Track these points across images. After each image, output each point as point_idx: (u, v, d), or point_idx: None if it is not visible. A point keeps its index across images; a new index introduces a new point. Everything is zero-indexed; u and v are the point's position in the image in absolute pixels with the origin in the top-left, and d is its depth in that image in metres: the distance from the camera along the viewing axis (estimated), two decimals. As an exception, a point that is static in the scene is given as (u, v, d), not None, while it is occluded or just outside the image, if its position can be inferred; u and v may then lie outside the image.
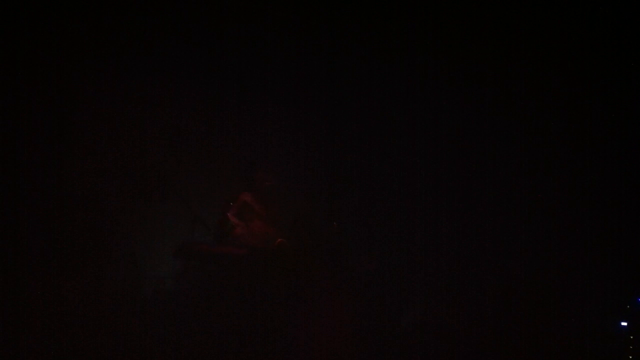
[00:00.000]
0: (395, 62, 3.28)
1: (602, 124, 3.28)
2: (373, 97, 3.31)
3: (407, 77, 3.29)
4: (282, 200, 3.25)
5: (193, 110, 3.27)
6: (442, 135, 3.29)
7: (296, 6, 3.23)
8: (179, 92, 3.22)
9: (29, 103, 3.09)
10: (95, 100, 3.15)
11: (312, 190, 3.27)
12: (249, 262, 3.13)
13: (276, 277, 3.09)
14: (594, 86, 3.27)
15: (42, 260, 3.06)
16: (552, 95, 3.29)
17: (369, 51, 3.29)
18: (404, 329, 3.18)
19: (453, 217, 3.26)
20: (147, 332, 3.08)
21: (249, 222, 3.23)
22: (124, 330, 3.08)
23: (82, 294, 3.09)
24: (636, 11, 3.26)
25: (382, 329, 3.17)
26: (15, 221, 3.03)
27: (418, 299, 3.22)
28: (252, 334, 3.10)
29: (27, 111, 3.08)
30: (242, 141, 3.32)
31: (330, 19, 3.25)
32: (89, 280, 3.09)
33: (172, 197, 3.20)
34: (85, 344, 3.05)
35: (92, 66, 3.15)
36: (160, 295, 3.17)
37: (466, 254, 3.24)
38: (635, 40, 3.26)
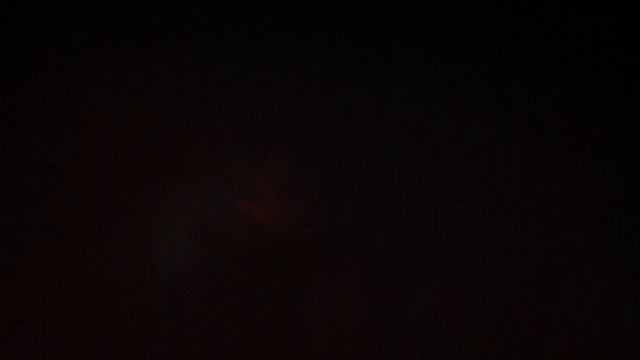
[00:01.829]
0: (396, 60, 3.29)
1: (602, 123, 3.28)
2: (374, 93, 3.32)
3: (409, 72, 3.29)
4: (294, 182, 3.25)
5: (193, 111, 3.27)
6: (443, 134, 3.29)
7: (296, 6, 3.23)
8: (179, 92, 3.23)
9: (29, 103, 3.10)
10: (96, 99, 3.16)
11: (313, 190, 3.28)
12: (262, 243, 3.12)
13: (287, 268, 3.10)
14: (594, 86, 3.28)
15: (43, 260, 3.08)
16: (552, 95, 3.29)
17: (370, 49, 3.30)
18: (404, 329, 3.19)
19: (453, 216, 3.26)
20: (149, 332, 3.09)
21: (261, 204, 3.22)
22: (126, 330, 3.08)
23: (83, 295, 3.09)
24: (636, 11, 3.27)
25: (382, 328, 3.18)
26: (15, 221, 3.04)
27: (417, 298, 3.23)
28: (261, 332, 3.12)
29: (27, 111, 3.09)
30: (243, 140, 3.32)
31: (331, 18, 3.26)
32: (89, 281, 3.10)
33: (175, 196, 3.21)
34: (86, 344, 3.06)
35: (93, 65, 3.15)
36: (164, 298, 3.18)
37: (466, 254, 3.24)
38: (636, 40, 3.27)
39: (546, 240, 3.25)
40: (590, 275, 3.24)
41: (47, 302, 3.06)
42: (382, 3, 3.26)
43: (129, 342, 3.09)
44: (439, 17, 3.26)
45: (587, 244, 3.24)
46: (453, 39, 3.27)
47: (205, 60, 3.21)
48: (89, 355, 3.05)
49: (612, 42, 3.27)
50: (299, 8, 3.23)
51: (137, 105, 3.17)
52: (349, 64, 3.26)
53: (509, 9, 3.27)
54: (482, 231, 3.25)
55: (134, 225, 3.15)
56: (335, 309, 3.18)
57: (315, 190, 3.24)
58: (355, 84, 3.27)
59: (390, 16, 3.26)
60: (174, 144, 3.20)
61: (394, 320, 3.20)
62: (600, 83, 3.26)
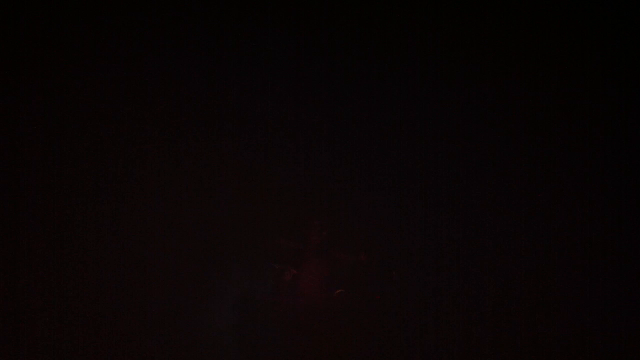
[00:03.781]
0: (396, 60, 3.29)
1: (602, 124, 3.28)
2: (374, 93, 3.31)
3: (409, 72, 3.29)
4: (338, 250, 3.27)
5: (193, 110, 3.27)
6: (443, 134, 3.29)
7: (296, 6, 3.23)
8: (178, 92, 3.22)
9: (29, 103, 3.09)
10: (96, 99, 3.15)
11: (313, 190, 3.27)
12: (307, 312, 3.17)
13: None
14: (594, 86, 3.27)
15: (43, 260, 3.07)
16: (552, 96, 3.28)
17: (370, 49, 3.29)
18: (404, 328, 3.19)
19: (453, 216, 3.26)
20: (147, 334, 3.09)
21: (304, 272, 3.24)
22: (125, 331, 3.08)
23: (83, 295, 3.09)
24: (636, 11, 3.26)
25: (381, 329, 3.17)
26: (15, 221, 3.04)
27: (416, 299, 3.22)
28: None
29: (27, 111, 3.09)
30: (242, 141, 3.32)
31: (331, 18, 3.25)
32: (90, 281, 3.09)
33: (173, 197, 3.20)
34: (86, 343, 3.06)
35: (93, 65, 3.15)
36: (161, 297, 3.17)
37: (466, 254, 3.24)
38: (636, 40, 3.27)
39: (546, 240, 3.24)
40: (590, 275, 3.23)
41: (47, 302, 3.06)
42: (382, 3, 3.25)
43: (128, 342, 3.08)
44: (439, 17, 3.25)
45: (587, 244, 3.23)
46: (453, 39, 3.26)
47: (206, 61, 3.21)
48: (89, 354, 3.04)
49: (612, 42, 3.26)
50: (299, 8, 3.22)
51: (137, 105, 3.16)
52: (349, 64, 3.26)
53: (509, 9, 3.26)
54: (482, 231, 3.24)
55: (134, 225, 3.15)
56: (337, 308, 3.17)
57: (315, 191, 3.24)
58: (355, 84, 3.27)
59: (390, 16, 3.26)
60: (174, 144, 3.20)
61: (395, 319, 3.20)
62: (600, 83, 3.26)
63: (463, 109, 3.28)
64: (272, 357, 3.15)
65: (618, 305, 3.23)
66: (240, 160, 3.23)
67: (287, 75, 3.25)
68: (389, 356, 3.16)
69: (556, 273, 3.23)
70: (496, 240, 3.24)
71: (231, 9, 3.21)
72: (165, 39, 3.18)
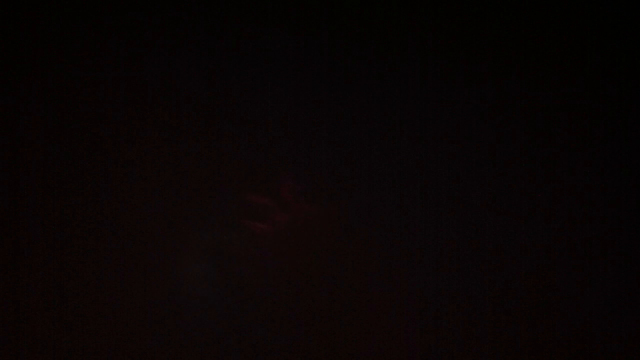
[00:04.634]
0: (396, 60, 3.29)
1: (602, 123, 3.28)
2: (374, 93, 3.31)
3: (409, 72, 3.29)
4: (308, 204, 3.25)
5: (193, 110, 3.27)
6: (443, 134, 3.29)
7: (296, 6, 3.23)
8: (178, 92, 3.23)
9: (29, 103, 3.10)
10: (96, 99, 3.16)
11: (312, 190, 3.27)
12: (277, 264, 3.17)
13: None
14: (594, 86, 3.27)
15: (43, 260, 3.08)
16: (552, 95, 3.29)
17: (370, 49, 3.29)
18: (403, 328, 3.19)
19: (453, 216, 3.26)
20: (148, 333, 3.09)
21: (275, 226, 3.24)
22: (125, 330, 3.09)
23: (83, 295, 3.09)
24: (636, 11, 3.26)
25: (379, 329, 3.18)
26: (15, 221, 3.04)
27: (416, 299, 3.22)
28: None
29: (27, 111, 3.10)
30: (242, 141, 3.32)
31: (331, 18, 3.25)
32: (90, 281, 3.10)
33: (174, 197, 3.21)
34: (87, 344, 3.06)
35: (93, 65, 3.15)
36: (164, 297, 3.17)
37: (466, 254, 3.24)
38: (636, 40, 3.27)
39: (546, 240, 3.24)
40: (591, 275, 3.24)
41: (47, 302, 3.06)
42: (382, 3, 3.26)
43: (129, 343, 3.08)
44: (439, 17, 3.26)
45: (587, 244, 3.24)
46: (453, 39, 3.26)
47: (206, 61, 3.21)
48: (89, 355, 3.05)
49: (612, 42, 3.26)
50: (299, 8, 3.23)
51: (137, 105, 3.17)
52: (349, 64, 3.26)
53: (509, 9, 3.26)
54: (482, 231, 3.25)
55: (135, 226, 3.15)
56: (337, 308, 3.18)
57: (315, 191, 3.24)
58: (355, 84, 3.27)
59: (390, 16, 3.26)
60: (174, 144, 3.20)
61: (395, 319, 3.20)
62: (600, 83, 3.26)
63: (463, 109, 3.28)
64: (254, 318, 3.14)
65: (618, 305, 3.23)
66: (240, 160, 3.23)
67: (287, 75, 3.26)
68: (389, 356, 3.17)
69: (556, 273, 3.24)
70: (496, 240, 3.25)
71: (231, 9, 3.21)
72: (165, 38, 3.18)
